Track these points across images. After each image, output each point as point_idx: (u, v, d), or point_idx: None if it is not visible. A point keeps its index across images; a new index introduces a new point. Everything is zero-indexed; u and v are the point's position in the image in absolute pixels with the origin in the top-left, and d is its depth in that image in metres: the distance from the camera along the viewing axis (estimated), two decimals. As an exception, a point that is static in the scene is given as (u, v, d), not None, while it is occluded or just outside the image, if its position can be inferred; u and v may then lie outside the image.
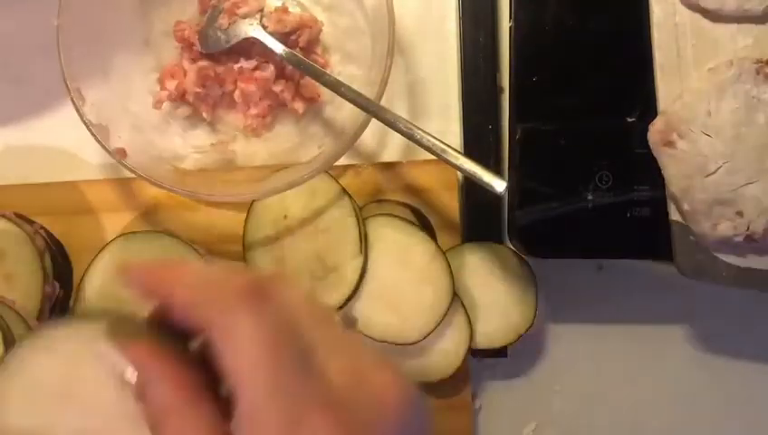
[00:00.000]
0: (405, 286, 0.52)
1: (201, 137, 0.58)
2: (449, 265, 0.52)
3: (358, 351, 0.31)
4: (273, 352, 0.28)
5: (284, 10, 0.57)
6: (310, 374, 0.28)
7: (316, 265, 0.53)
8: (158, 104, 0.56)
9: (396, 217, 0.53)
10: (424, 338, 0.52)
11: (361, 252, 0.52)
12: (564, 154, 0.52)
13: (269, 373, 0.27)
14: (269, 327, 0.28)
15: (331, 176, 0.54)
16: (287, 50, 0.54)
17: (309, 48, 0.57)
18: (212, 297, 0.30)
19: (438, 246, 0.53)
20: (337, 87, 0.51)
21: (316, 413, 0.27)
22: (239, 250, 0.54)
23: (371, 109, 0.49)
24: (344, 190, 0.53)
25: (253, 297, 0.29)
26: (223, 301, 0.29)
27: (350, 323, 0.27)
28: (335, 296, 0.52)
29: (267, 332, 0.28)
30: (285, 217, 0.54)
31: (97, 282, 0.53)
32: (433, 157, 0.48)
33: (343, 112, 0.57)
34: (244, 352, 0.28)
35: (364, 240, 0.52)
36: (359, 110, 0.52)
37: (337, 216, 0.53)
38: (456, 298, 0.52)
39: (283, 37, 0.55)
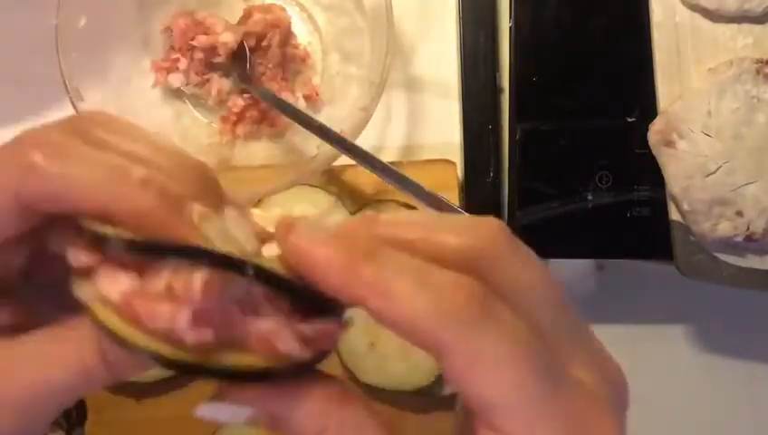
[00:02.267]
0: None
1: (200, 137, 0.58)
2: None
3: (590, 336, 0.27)
4: (528, 370, 0.23)
5: (248, 15, 0.57)
6: (564, 383, 0.24)
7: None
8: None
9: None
10: (433, 382, 0.51)
11: None
12: (564, 154, 0.52)
13: (530, 399, 0.23)
14: (514, 336, 0.23)
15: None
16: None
17: (284, 44, 0.57)
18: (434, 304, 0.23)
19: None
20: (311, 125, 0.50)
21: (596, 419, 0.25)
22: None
23: (343, 145, 0.49)
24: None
25: (486, 299, 0.23)
26: (451, 312, 0.23)
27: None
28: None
29: (514, 344, 0.23)
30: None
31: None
32: (433, 157, 0.48)
33: (342, 112, 0.57)
34: (495, 380, 0.23)
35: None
36: (357, 109, 0.52)
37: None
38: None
39: (253, 42, 0.56)
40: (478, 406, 0.23)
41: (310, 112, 0.58)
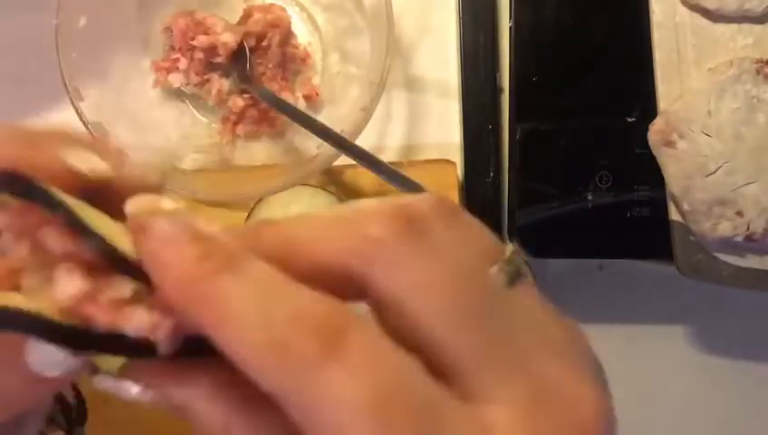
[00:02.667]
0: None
1: (200, 137, 0.58)
2: None
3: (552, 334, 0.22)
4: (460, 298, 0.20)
5: (248, 15, 0.56)
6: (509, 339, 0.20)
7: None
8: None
9: None
10: None
11: None
12: (564, 154, 0.52)
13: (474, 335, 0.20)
14: (445, 268, 0.20)
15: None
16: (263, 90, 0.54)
17: (284, 44, 0.57)
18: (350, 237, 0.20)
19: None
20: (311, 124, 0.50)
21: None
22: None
23: (343, 145, 0.48)
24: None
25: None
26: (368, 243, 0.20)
27: None
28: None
29: (444, 273, 0.20)
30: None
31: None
32: (433, 157, 0.48)
33: (342, 112, 0.57)
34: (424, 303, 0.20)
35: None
36: (357, 109, 0.52)
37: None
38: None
39: (253, 42, 0.56)
40: None
41: (310, 112, 0.58)
